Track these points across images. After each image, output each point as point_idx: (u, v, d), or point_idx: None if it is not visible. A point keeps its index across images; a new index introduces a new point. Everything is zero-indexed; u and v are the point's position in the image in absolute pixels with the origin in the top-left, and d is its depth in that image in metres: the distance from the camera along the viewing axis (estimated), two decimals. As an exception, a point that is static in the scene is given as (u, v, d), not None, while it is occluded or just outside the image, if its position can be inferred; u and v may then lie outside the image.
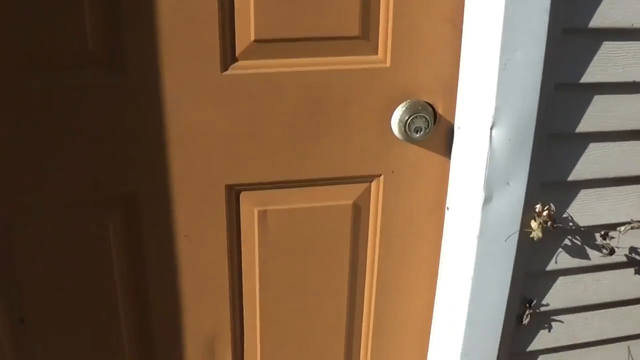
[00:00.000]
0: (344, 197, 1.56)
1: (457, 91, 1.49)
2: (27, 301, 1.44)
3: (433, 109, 1.50)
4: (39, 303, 1.45)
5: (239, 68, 1.39)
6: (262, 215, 1.53)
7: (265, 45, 1.39)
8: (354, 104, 1.46)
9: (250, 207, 1.52)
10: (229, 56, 1.38)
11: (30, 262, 1.41)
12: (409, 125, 1.47)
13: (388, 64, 1.45)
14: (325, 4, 1.37)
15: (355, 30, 1.41)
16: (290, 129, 1.45)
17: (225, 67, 1.39)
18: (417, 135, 1.49)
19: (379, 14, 1.41)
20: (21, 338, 1.47)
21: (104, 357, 1.55)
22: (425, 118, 1.48)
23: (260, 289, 1.59)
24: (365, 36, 1.42)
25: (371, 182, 1.56)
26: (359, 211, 1.58)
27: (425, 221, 1.62)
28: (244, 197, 1.51)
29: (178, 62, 1.34)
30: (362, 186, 1.56)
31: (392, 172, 1.55)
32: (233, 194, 1.50)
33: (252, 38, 1.37)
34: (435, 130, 1.51)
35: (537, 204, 1.51)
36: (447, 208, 1.61)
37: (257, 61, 1.40)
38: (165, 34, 1.32)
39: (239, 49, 1.38)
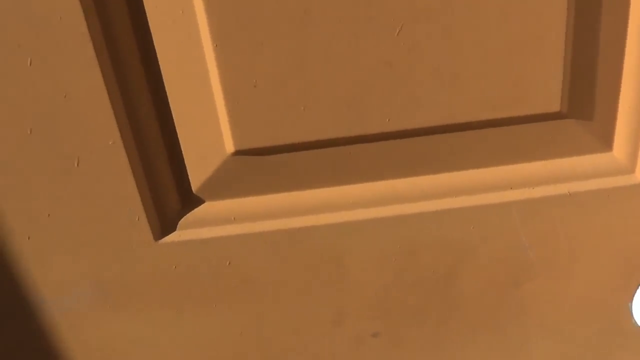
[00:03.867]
0: None
1: None
2: None
3: None
4: None
5: (188, 226, 0.49)
6: None
7: (255, 163, 0.46)
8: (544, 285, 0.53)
9: None
10: (171, 198, 0.48)
11: None
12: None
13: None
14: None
15: (555, 102, 0.45)
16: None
17: (163, 228, 0.48)
18: None
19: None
20: None
21: None
22: None
23: None
24: (574, 112, 0.46)
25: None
26: None
27: None
28: None
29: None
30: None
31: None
32: None
33: (231, 149, 0.45)
34: None
35: None
36: None
37: (238, 200, 0.48)
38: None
39: (195, 181, 0.47)
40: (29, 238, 0.48)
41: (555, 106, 0.45)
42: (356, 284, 0.51)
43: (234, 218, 0.48)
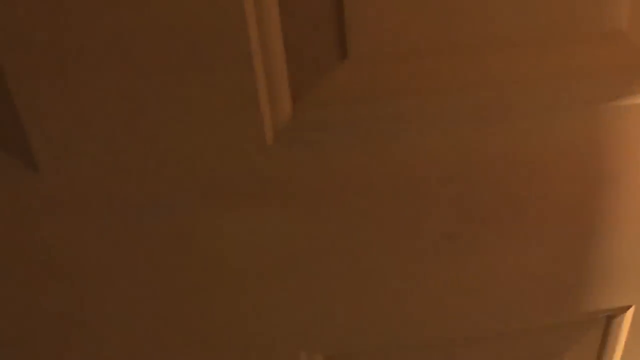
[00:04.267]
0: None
1: None
2: None
3: None
4: None
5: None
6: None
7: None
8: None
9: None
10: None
11: None
12: None
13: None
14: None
15: (621, 20, 0.53)
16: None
17: (276, 132, 0.55)
18: None
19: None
20: None
21: None
22: None
23: None
24: (633, 30, 0.54)
25: (612, 319, 0.73)
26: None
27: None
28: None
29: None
30: (595, 328, 0.73)
31: (651, 304, 0.71)
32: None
33: (345, 55, 0.52)
34: None
35: None
36: None
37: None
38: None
39: (309, 86, 0.54)
40: (144, 140, 0.54)
41: (619, 24, 0.53)
42: (436, 190, 0.58)
43: (341, 124, 0.55)
